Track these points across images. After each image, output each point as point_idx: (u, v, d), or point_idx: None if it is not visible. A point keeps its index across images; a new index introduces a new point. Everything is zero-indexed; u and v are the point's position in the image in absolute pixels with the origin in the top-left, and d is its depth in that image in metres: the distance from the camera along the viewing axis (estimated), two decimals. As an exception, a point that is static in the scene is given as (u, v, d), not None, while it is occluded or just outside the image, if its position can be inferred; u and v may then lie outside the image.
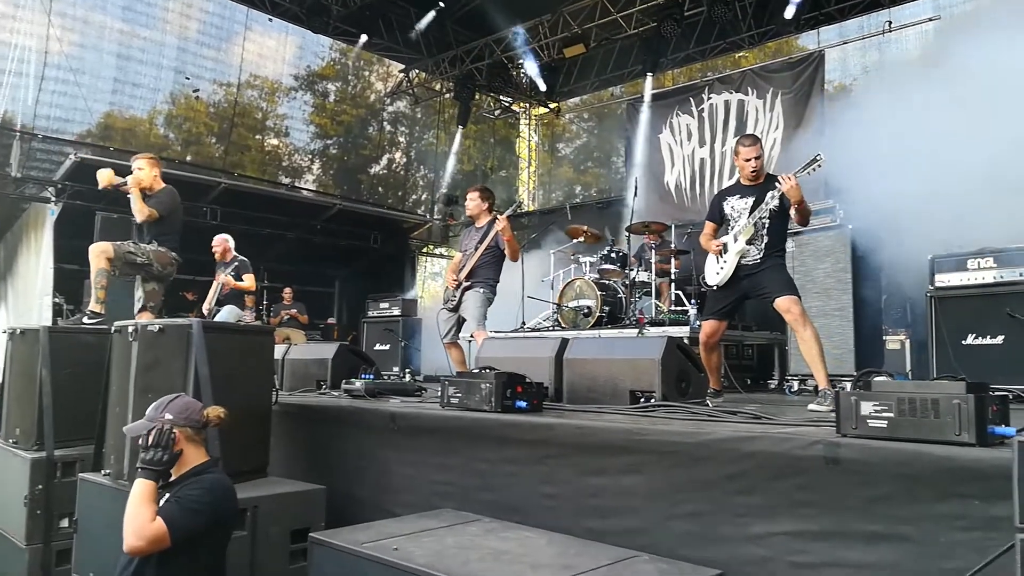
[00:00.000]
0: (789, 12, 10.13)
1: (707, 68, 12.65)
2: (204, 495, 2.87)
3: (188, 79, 11.93)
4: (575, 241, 9.18)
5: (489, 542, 2.94)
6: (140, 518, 2.73)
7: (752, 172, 4.51)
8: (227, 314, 7.92)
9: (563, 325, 8.16)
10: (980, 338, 5.28)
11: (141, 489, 2.81)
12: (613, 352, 4.48)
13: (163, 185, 5.82)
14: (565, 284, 8.36)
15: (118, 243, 5.52)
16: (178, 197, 5.81)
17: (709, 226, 4.77)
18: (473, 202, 6.41)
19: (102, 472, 3.85)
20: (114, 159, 10.19)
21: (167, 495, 2.89)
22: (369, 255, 13.88)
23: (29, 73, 10.02)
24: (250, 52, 12.58)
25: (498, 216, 6.14)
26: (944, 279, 5.52)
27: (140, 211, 5.47)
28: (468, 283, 6.16)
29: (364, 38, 11.92)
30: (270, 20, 12.47)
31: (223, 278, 7.96)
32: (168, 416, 2.98)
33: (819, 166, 4.31)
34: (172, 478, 2.98)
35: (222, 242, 8.26)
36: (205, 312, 8.02)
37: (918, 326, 6.43)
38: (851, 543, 2.56)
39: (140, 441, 2.96)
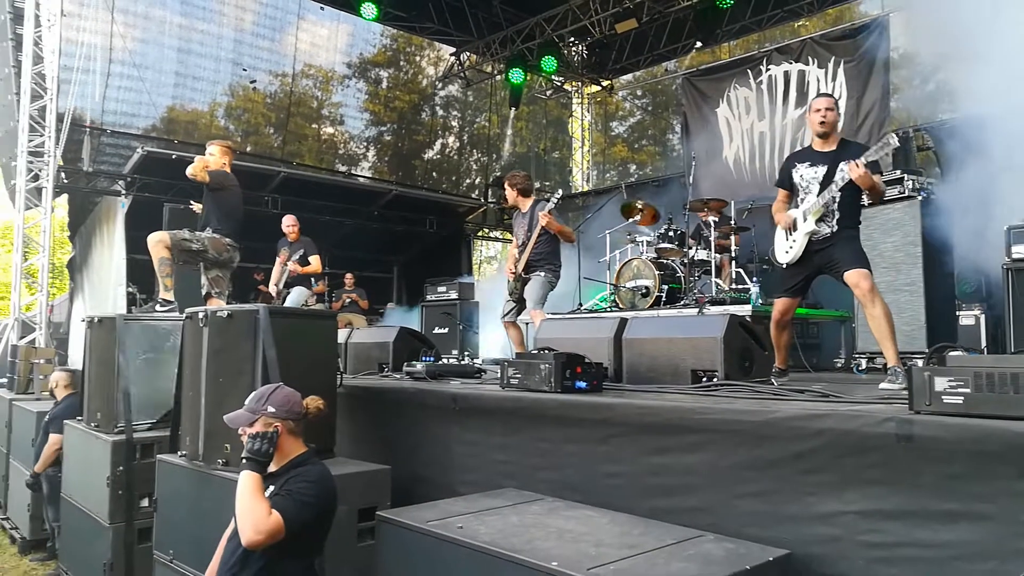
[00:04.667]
0: None
1: (764, 39, 12.30)
2: (313, 488, 2.90)
3: (245, 71, 12.19)
4: (631, 220, 9.08)
5: (552, 521, 2.96)
6: (257, 512, 2.75)
7: (821, 122, 4.29)
8: (296, 297, 8.15)
9: (621, 306, 8.10)
10: (1062, 311, 5.04)
11: (250, 483, 2.82)
12: (673, 331, 4.42)
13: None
14: (622, 264, 8.29)
15: (173, 231, 5.71)
16: (233, 180, 6.00)
17: (781, 193, 4.57)
18: (508, 192, 6.47)
19: (178, 453, 4.00)
20: (178, 151, 10.53)
21: (271, 487, 2.91)
22: (425, 240, 14.01)
23: (95, 70, 10.39)
24: (303, 42, 12.77)
25: (539, 214, 6.11)
26: (1022, 250, 5.26)
27: (192, 169, 5.69)
28: (527, 276, 6.20)
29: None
30: (322, 9, 12.63)
31: (291, 265, 8.15)
32: (271, 409, 2.98)
33: (891, 150, 4.11)
34: (272, 469, 2.99)
35: (296, 222, 8.58)
36: (273, 292, 8.25)
37: (994, 300, 6.16)
38: (926, 522, 2.50)
39: (242, 432, 2.98)
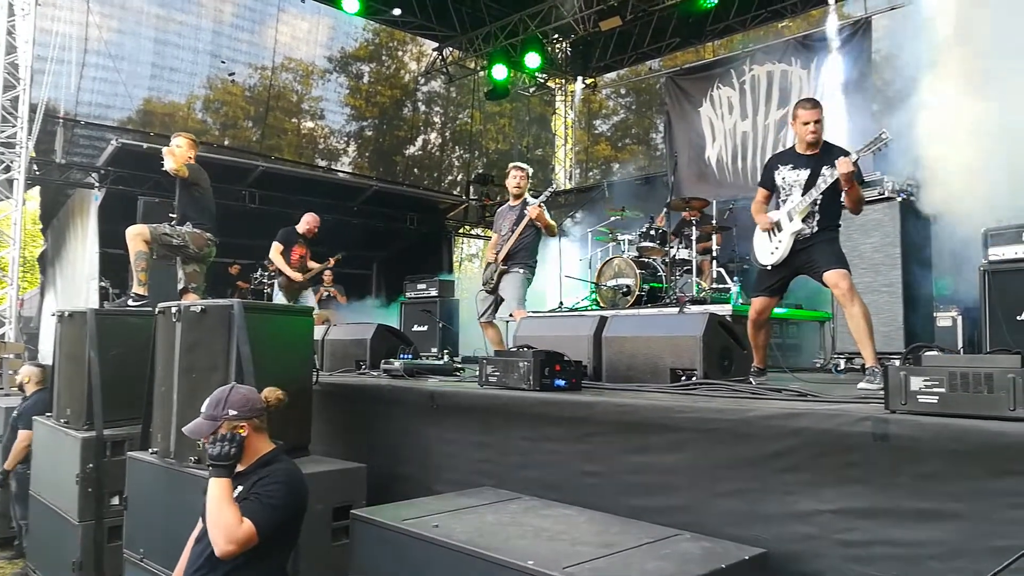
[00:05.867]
0: None
1: (748, 39, 12.34)
2: (282, 489, 2.83)
3: (224, 63, 12.04)
4: (613, 219, 9.08)
5: (529, 520, 2.94)
6: (227, 521, 2.68)
7: (812, 136, 4.28)
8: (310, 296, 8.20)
9: (602, 305, 8.09)
10: (1035, 313, 5.09)
11: (218, 491, 2.74)
12: (653, 330, 4.41)
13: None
14: (603, 263, 8.28)
15: (154, 225, 5.63)
16: (204, 173, 5.93)
17: (761, 192, 4.58)
18: (521, 179, 6.40)
19: (149, 450, 3.93)
20: (155, 144, 10.36)
21: (239, 488, 2.85)
22: (406, 236, 13.95)
23: (71, 60, 10.21)
24: (284, 35, 12.65)
25: (528, 206, 6.12)
26: (998, 252, 5.31)
27: (173, 163, 5.56)
28: (506, 267, 6.17)
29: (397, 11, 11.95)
30: (303, 2, 12.51)
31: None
32: (232, 412, 2.89)
33: (885, 145, 4.13)
34: (240, 469, 2.93)
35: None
36: (299, 278, 8.12)
37: (971, 302, 6.21)
38: (901, 520, 2.51)
39: (206, 441, 2.90)
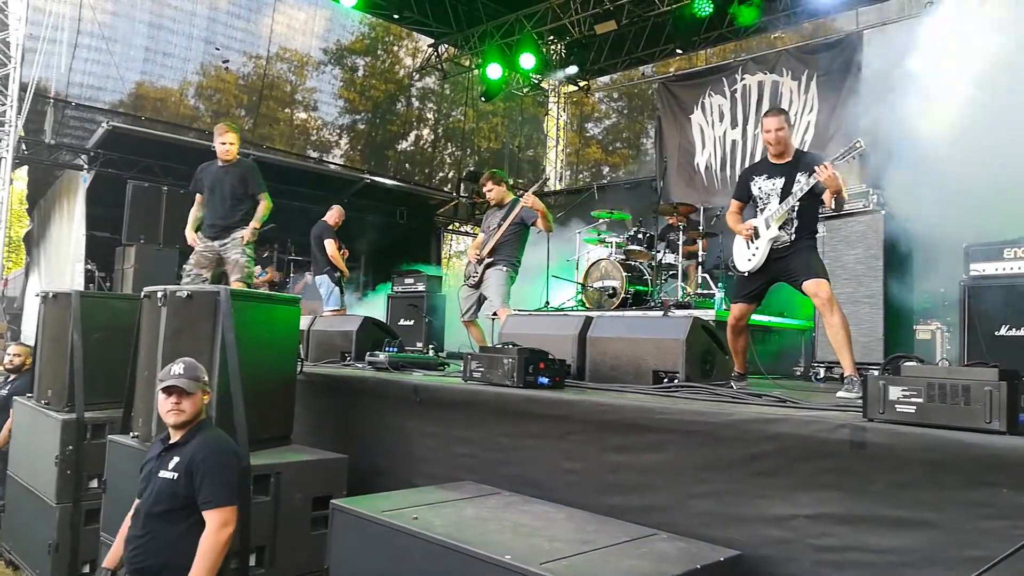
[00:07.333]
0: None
1: (740, 48, 12.42)
2: (229, 456, 3.12)
3: (218, 50, 11.96)
4: (602, 221, 9.12)
5: (508, 515, 2.96)
6: (212, 554, 2.91)
7: (775, 144, 4.36)
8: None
9: (588, 306, 8.12)
10: (1014, 329, 5.14)
11: None
12: (637, 332, 4.45)
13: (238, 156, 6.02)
14: (591, 264, 8.31)
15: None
16: None
17: (735, 204, 4.66)
18: (491, 192, 6.41)
19: (130, 434, 3.92)
20: (146, 128, 10.31)
21: (176, 459, 3.04)
22: (395, 231, 13.92)
23: (62, 40, 10.10)
24: (280, 24, 12.58)
25: (522, 196, 6.15)
26: (979, 268, 5.36)
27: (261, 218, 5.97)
28: (491, 259, 6.16)
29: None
30: (300, -8, 12.48)
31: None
32: (205, 379, 3.25)
33: (859, 153, 4.19)
34: (175, 439, 3.14)
35: None
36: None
37: (951, 316, 6.28)
38: (875, 528, 2.54)
39: (174, 403, 3.12)
